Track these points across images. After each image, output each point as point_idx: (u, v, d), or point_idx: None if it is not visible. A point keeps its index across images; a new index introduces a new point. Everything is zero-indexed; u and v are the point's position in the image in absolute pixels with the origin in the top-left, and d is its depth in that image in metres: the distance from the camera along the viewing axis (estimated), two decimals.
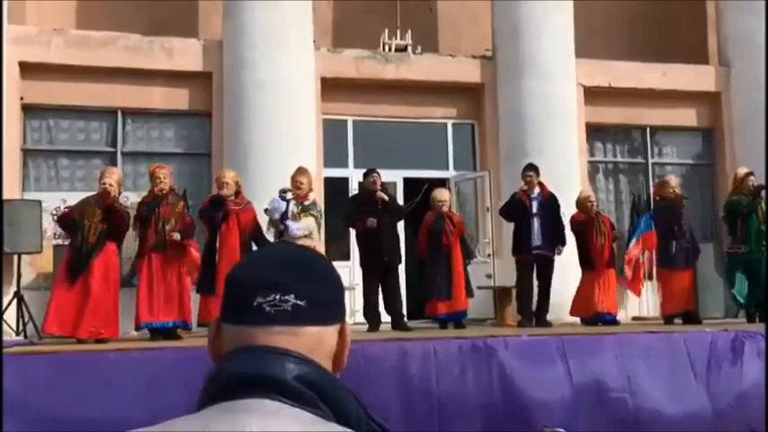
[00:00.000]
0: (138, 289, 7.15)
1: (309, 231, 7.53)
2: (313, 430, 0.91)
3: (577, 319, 8.97)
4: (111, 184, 6.96)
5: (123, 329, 7.29)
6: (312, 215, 7.61)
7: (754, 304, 8.45)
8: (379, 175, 8.29)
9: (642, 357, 5.71)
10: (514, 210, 8.65)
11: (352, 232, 10.67)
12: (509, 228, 9.16)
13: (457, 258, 8.41)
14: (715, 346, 5.96)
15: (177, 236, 7.14)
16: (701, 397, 5.70)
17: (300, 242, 7.18)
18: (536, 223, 8.50)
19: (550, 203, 8.64)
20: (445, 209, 8.48)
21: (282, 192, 7.66)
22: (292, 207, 7.53)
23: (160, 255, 7.07)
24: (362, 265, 8.36)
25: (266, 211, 7.64)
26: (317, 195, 9.70)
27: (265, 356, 0.96)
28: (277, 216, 7.49)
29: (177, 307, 7.09)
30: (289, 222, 7.47)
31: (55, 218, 8.31)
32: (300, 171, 7.81)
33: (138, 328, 7.12)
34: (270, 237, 7.65)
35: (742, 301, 8.59)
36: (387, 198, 8.14)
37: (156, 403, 4.61)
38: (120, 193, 7.25)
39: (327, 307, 1.03)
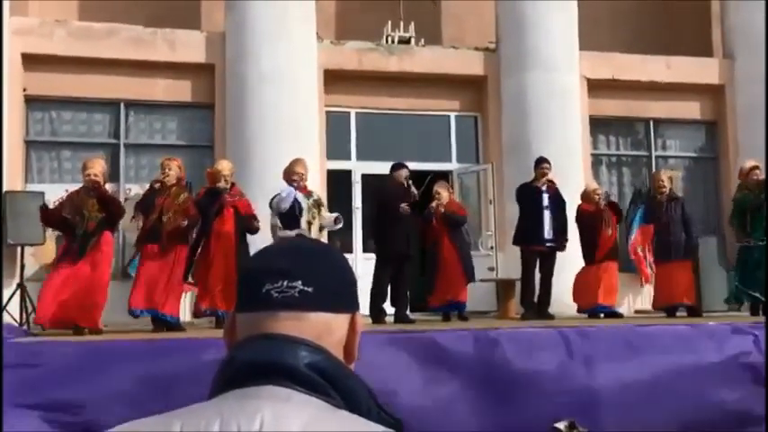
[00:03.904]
0: (135, 276, 7.20)
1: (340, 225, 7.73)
2: (324, 417, 0.91)
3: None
4: (96, 174, 6.93)
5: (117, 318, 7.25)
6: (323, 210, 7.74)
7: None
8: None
9: (651, 349, 5.68)
10: (526, 197, 8.64)
11: (358, 224, 10.71)
12: (512, 220, 9.14)
13: (444, 247, 8.48)
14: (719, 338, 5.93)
15: (185, 222, 7.11)
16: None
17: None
18: (547, 216, 8.50)
19: (559, 198, 8.66)
20: (437, 202, 8.59)
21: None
22: (303, 201, 7.44)
23: (156, 246, 7.02)
24: (381, 255, 8.08)
25: (271, 203, 7.47)
26: (321, 188, 9.71)
27: (277, 344, 0.97)
28: (286, 206, 7.35)
29: (160, 299, 6.96)
30: (325, 213, 7.64)
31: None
32: (299, 162, 7.70)
33: (130, 312, 7.00)
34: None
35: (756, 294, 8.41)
36: (416, 193, 8.11)
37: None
38: (105, 183, 7.17)
39: (335, 295, 1.03)
